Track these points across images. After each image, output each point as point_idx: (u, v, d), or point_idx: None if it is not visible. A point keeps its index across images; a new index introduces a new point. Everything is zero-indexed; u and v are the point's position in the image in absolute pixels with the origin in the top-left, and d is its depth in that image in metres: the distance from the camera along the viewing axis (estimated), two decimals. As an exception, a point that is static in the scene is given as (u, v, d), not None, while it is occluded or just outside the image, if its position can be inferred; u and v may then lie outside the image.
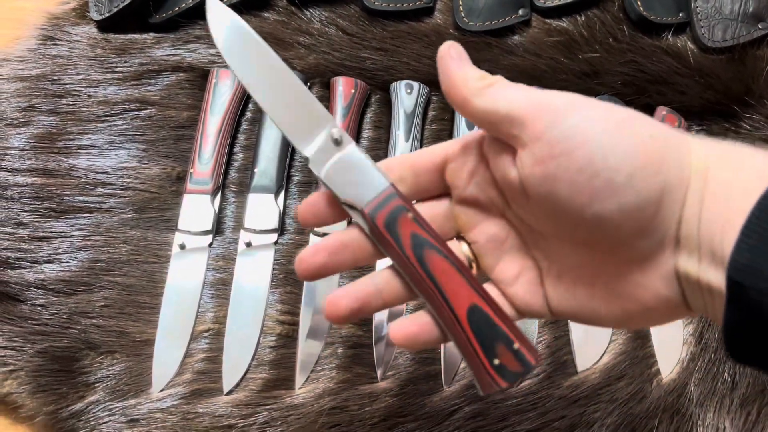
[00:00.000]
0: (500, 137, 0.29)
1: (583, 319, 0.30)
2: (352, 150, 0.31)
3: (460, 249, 0.32)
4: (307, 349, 0.49)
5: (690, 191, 0.25)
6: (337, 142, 0.31)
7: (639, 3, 0.62)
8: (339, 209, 0.31)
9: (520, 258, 0.31)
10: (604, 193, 0.25)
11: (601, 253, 0.27)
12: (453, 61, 0.29)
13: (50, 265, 0.50)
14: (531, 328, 0.51)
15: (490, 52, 0.60)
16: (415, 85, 0.58)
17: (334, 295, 0.30)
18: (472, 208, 0.31)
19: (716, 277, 0.24)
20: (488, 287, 0.31)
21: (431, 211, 0.32)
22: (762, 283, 0.22)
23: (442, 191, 0.32)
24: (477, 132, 0.31)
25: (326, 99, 0.59)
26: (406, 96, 0.58)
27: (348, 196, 0.30)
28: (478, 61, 0.59)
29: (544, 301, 0.30)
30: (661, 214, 0.25)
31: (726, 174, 0.25)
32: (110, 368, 0.47)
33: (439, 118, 0.59)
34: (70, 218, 0.52)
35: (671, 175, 0.25)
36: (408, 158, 0.32)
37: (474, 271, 0.32)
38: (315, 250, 0.30)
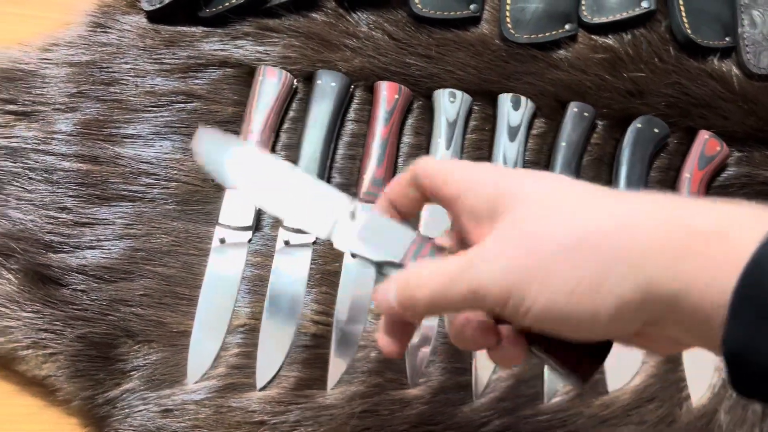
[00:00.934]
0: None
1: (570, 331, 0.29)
2: (370, 217, 0.33)
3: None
4: (340, 350, 0.49)
5: (646, 300, 0.24)
6: (353, 215, 0.34)
7: (686, 25, 0.62)
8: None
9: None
10: (569, 330, 0.26)
11: None
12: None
13: (92, 251, 0.50)
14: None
15: (535, 65, 0.60)
16: (459, 93, 0.58)
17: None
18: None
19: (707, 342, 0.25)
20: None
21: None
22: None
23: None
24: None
25: (369, 102, 0.59)
26: (449, 104, 0.58)
27: (383, 257, 0.32)
28: (523, 74, 0.59)
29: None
30: (624, 324, 0.25)
31: (685, 269, 0.24)
32: (147, 357, 0.48)
33: (480, 128, 0.59)
34: (113, 206, 0.52)
35: (610, 303, 0.25)
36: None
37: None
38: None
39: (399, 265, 0.31)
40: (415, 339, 0.50)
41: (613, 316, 0.24)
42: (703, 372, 0.52)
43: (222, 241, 0.52)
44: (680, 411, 0.50)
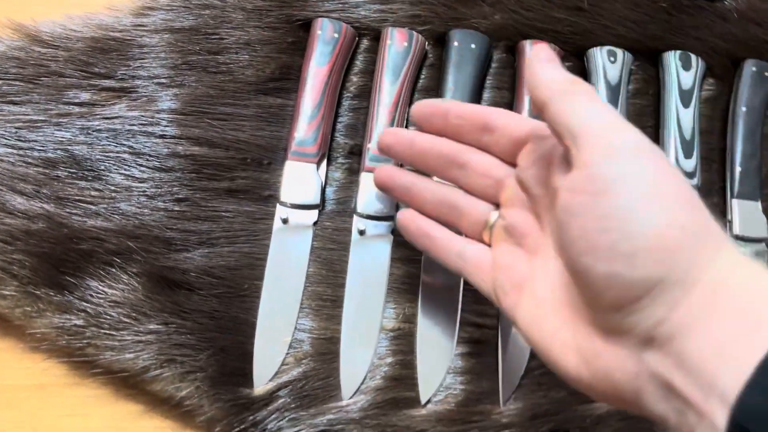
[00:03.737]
0: (565, 148, 0.28)
1: (535, 348, 0.30)
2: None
3: (489, 214, 0.35)
4: (510, 358, 0.43)
5: (690, 298, 0.23)
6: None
7: None
8: None
9: (523, 257, 0.32)
10: (602, 252, 0.25)
11: (583, 299, 0.27)
12: (541, 63, 0.29)
13: (219, 248, 0.44)
14: None
15: (701, 17, 0.52)
16: (619, 52, 0.50)
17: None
18: (521, 190, 0.33)
19: (698, 395, 0.22)
20: (485, 251, 0.35)
21: (495, 168, 0.35)
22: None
23: (510, 161, 0.34)
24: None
25: (510, 65, 0.51)
26: (609, 65, 0.50)
27: None
28: (690, 27, 0.51)
29: (514, 304, 0.31)
30: (645, 301, 0.24)
31: (744, 299, 0.23)
32: (294, 370, 0.41)
33: (642, 91, 0.51)
34: (239, 197, 0.45)
35: (676, 270, 0.24)
36: (505, 118, 0.34)
37: (485, 236, 0.35)
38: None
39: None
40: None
41: (657, 239, 0.24)
42: None
43: (361, 233, 0.45)
44: None
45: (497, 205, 0.35)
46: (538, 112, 0.29)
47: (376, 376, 0.42)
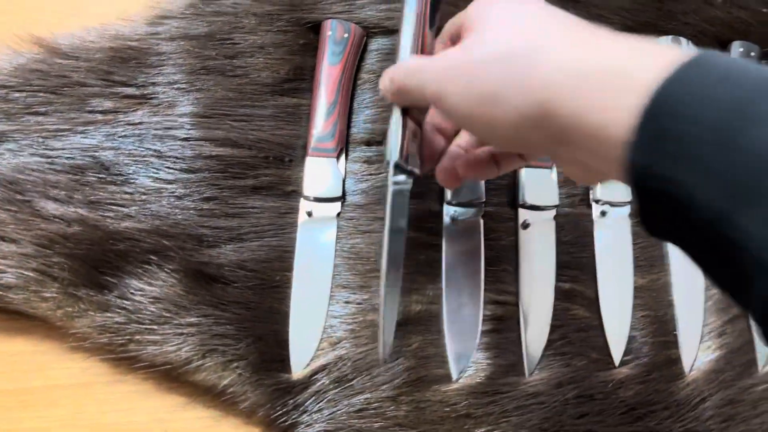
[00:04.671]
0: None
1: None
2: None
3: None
4: (531, 332, 0.45)
5: (542, 117, 0.27)
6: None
7: None
8: None
9: None
10: (483, 135, 0.33)
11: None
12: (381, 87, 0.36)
13: (249, 243, 0.46)
14: None
15: (691, 3, 0.55)
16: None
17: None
18: None
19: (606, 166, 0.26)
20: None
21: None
22: (655, 184, 0.23)
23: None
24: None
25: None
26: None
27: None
28: (680, 13, 0.54)
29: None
30: (530, 136, 0.28)
31: (580, 95, 0.25)
32: (331, 352, 0.43)
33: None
34: (264, 194, 0.47)
35: (510, 117, 0.28)
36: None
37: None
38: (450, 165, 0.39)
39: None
40: (613, 312, 0.46)
41: (510, 125, 0.28)
42: None
43: (309, 214, 0.47)
44: None
45: None
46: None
47: (406, 356, 0.44)
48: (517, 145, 0.31)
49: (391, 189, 0.34)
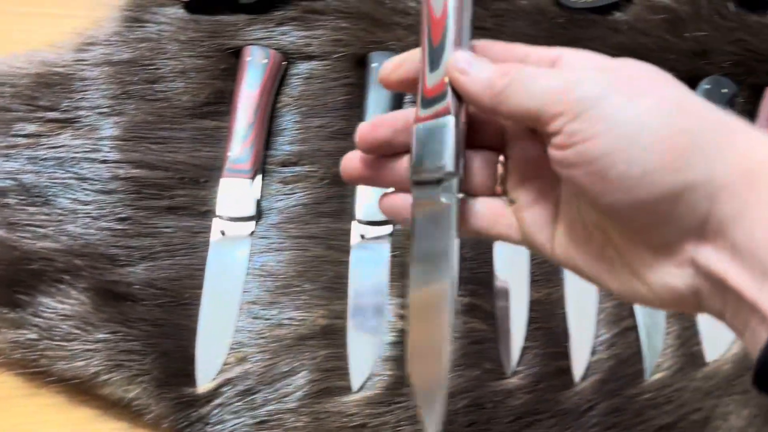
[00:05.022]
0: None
1: (584, 276, 0.28)
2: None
3: (495, 159, 0.30)
4: (431, 344, 0.47)
5: (726, 190, 0.23)
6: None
7: (744, -22, 0.60)
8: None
9: (545, 188, 0.29)
10: (616, 186, 0.24)
11: (618, 226, 0.26)
12: (462, 75, 0.27)
13: (159, 262, 0.48)
14: (659, 320, 0.49)
15: (595, 30, 0.58)
16: (521, 66, 0.56)
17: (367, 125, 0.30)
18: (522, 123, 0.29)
19: (751, 287, 0.22)
20: (500, 202, 0.30)
21: None
22: None
23: None
24: None
25: (426, 82, 0.57)
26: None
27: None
28: (585, 40, 0.57)
29: (549, 240, 0.29)
30: (679, 209, 0.23)
31: None
32: (235, 368, 0.45)
33: (544, 101, 0.57)
34: (176, 214, 0.49)
35: (696, 173, 0.23)
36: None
37: (498, 188, 0.30)
38: (380, 123, 0.30)
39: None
40: (508, 325, 0.48)
41: (678, 189, 0.23)
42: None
43: (222, 233, 0.49)
44: (782, 377, 0.49)
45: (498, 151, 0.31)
46: (492, 115, 0.28)
47: (310, 369, 0.46)
48: (641, 217, 0.24)
49: (455, 205, 0.28)
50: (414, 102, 0.29)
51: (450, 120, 0.28)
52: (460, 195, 0.29)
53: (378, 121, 0.29)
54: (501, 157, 0.30)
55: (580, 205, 0.27)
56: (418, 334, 0.29)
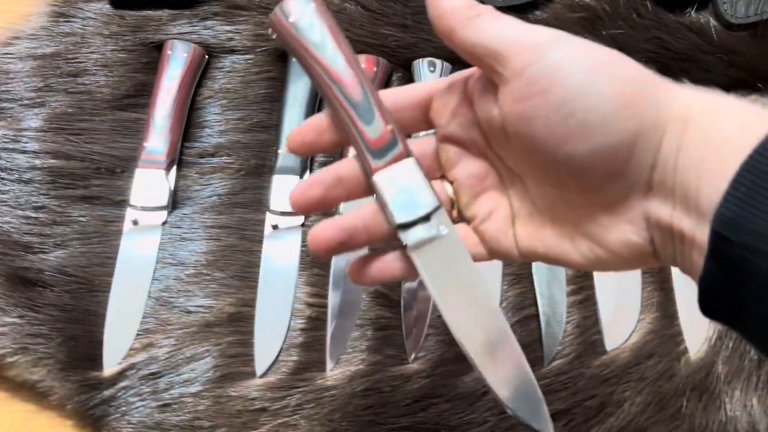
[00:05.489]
0: (484, 71, 0.28)
1: (551, 260, 0.29)
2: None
3: (443, 189, 0.31)
4: (336, 331, 0.49)
5: (666, 136, 0.25)
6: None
7: (662, -22, 0.61)
8: (333, 138, 0.30)
9: (496, 196, 0.31)
10: (577, 133, 0.25)
11: (573, 195, 0.27)
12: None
13: (71, 249, 0.49)
14: (560, 309, 0.51)
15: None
16: (438, 62, 0.57)
17: (318, 227, 0.28)
18: (454, 145, 0.31)
19: (689, 225, 0.24)
20: (460, 227, 0.31)
21: (420, 147, 0.31)
22: (747, 238, 0.21)
23: (426, 128, 0.32)
24: (464, 72, 0.30)
25: (347, 77, 0.58)
26: (429, 74, 0.57)
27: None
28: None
29: (513, 242, 0.30)
30: (634, 158, 0.25)
31: (706, 122, 0.24)
32: (140, 354, 0.47)
33: (462, 96, 0.58)
34: (91, 204, 0.51)
35: (647, 118, 0.25)
36: (392, 93, 0.31)
37: (455, 213, 0.31)
38: (311, 183, 0.29)
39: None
40: (412, 312, 0.49)
41: (632, 134, 0.24)
42: (699, 325, 0.52)
43: (135, 222, 0.51)
44: (679, 365, 0.50)
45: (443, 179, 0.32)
46: (444, 39, 0.28)
47: (215, 355, 0.47)
48: (599, 167, 0.26)
49: (455, 232, 0.29)
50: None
51: (412, 161, 0.29)
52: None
53: (307, 183, 0.29)
54: (447, 184, 0.31)
55: (530, 193, 0.29)
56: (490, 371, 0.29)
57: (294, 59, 0.56)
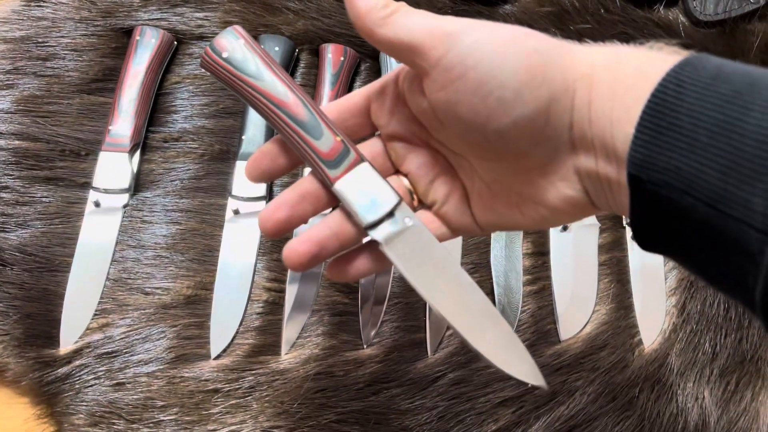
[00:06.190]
0: (408, 66, 0.29)
1: (506, 227, 0.32)
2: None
3: (400, 183, 0.33)
4: (293, 316, 0.49)
5: (577, 95, 0.26)
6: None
7: (632, -26, 0.61)
8: (289, 159, 0.32)
9: (449, 181, 0.32)
10: (497, 110, 0.27)
11: (509, 164, 0.29)
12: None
13: (33, 229, 0.50)
14: (516, 298, 0.51)
15: (479, 20, 0.59)
16: (405, 53, 0.57)
17: (292, 243, 0.30)
18: (399, 142, 0.33)
19: (612, 171, 0.26)
20: (423, 213, 0.33)
21: (370, 150, 0.33)
22: (656, 175, 0.23)
23: (372, 131, 0.34)
24: (392, 72, 0.32)
25: (315, 66, 0.58)
26: (396, 64, 0.57)
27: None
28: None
29: (472, 218, 0.32)
30: (551, 121, 0.27)
31: (609, 74, 0.26)
32: (97, 333, 0.47)
33: (428, 87, 0.59)
34: (54, 185, 0.51)
35: (555, 83, 0.26)
36: (333, 105, 0.32)
37: (415, 202, 0.33)
38: (276, 206, 0.30)
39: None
40: (369, 299, 0.50)
41: (546, 98, 0.26)
42: (654, 317, 0.52)
43: (97, 204, 0.51)
44: (632, 356, 0.51)
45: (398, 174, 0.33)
46: (367, 39, 0.29)
47: (170, 337, 0.48)
48: (524, 136, 0.27)
49: (419, 221, 0.31)
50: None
51: (367, 165, 0.30)
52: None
53: (272, 207, 0.30)
54: (402, 178, 0.33)
55: (476, 171, 0.31)
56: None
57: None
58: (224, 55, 0.30)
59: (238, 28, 0.31)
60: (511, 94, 0.26)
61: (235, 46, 0.30)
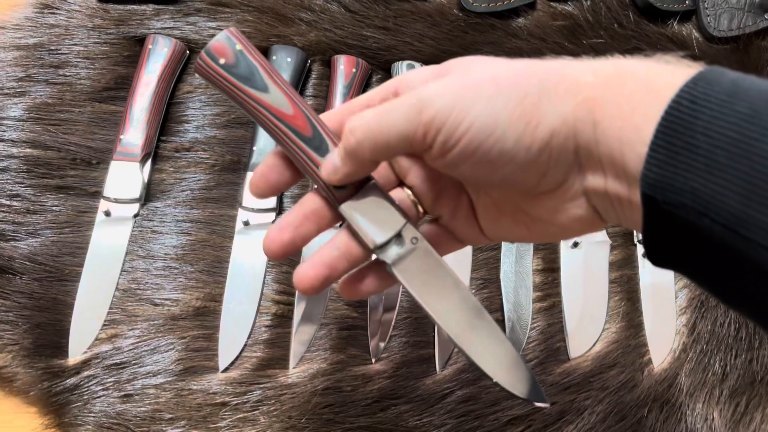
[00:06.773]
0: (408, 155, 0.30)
1: (513, 240, 0.33)
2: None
3: (404, 195, 0.32)
4: (301, 329, 0.49)
5: (578, 121, 0.26)
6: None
7: (646, -11, 0.61)
8: (295, 171, 0.31)
9: (454, 195, 0.32)
10: (499, 162, 0.27)
11: (516, 194, 0.30)
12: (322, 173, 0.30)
13: (43, 238, 0.49)
14: (525, 314, 0.51)
15: (494, 34, 0.59)
16: (417, 65, 0.57)
17: (302, 268, 0.30)
18: (403, 155, 0.32)
19: (623, 190, 0.26)
20: (429, 225, 0.33)
21: None
22: (671, 196, 0.23)
23: None
24: (391, 85, 0.32)
25: (326, 77, 0.58)
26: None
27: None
28: (482, 44, 0.59)
29: (479, 229, 0.33)
30: (554, 154, 0.27)
31: (611, 92, 0.25)
32: (105, 344, 0.47)
33: (440, 100, 0.59)
34: (64, 194, 0.51)
35: (553, 119, 0.26)
36: (332, 115, 0.32)
37: (421, 212, 0.32)
38: (279, 228, 0.30)
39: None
40: (379, 309, 0.50)
41: (545, 136, 0.26)
42: (664, 337, 0.52)
43: (107, 213, 0.51)
44: (642, 376, 0.50)
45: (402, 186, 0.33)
46: (364, 167, 0.29)
47: (179, 348, 0.48)
48: (531, 174, 0.27)
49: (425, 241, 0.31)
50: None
51: (374, 183, 0.30)
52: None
53: (275, 229, 0.30)
54: (406, 190, 0.32)
55: (484, 191, 0.31)
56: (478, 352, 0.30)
57: (274, 58, 0.56)
58: (221, 61, 0.29)
59: (234, 30, 0.30)
60: (511, 143, 0.26)
61: (232, 52, 0.29)
